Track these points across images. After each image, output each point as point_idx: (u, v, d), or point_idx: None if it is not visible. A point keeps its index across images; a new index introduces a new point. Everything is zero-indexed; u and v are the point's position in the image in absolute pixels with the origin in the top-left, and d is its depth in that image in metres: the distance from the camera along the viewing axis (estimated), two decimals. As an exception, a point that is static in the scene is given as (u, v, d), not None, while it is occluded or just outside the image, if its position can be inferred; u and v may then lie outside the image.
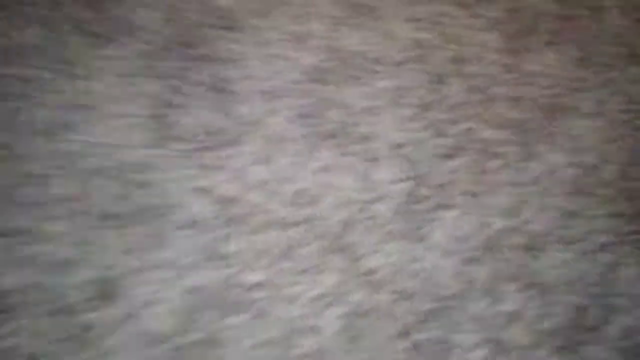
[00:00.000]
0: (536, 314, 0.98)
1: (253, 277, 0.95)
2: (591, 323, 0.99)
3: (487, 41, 1.18)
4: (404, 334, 0.94)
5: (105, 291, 0.91)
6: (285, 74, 1.10)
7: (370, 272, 0.98)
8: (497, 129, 1.12)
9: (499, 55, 1.17)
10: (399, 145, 1.08)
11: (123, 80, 1.03)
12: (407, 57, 1.14)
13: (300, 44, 1.12)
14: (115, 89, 1.02)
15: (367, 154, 1.06)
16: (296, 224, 0.99)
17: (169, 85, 1.04)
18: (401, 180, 1.05)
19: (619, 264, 1.03)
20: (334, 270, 0.97)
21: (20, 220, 0.94)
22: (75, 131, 0.99)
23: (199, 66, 1.07)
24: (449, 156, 1.08)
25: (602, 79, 1.18)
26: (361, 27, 1.16)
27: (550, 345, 0.97)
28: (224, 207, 0.99)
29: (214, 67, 1.07)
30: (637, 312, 1.00)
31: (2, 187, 0.96)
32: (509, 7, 1.22)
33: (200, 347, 0.90)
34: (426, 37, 1.17)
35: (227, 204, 0.99)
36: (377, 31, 1.16)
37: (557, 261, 1.02)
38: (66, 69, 1.03)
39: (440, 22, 1.19)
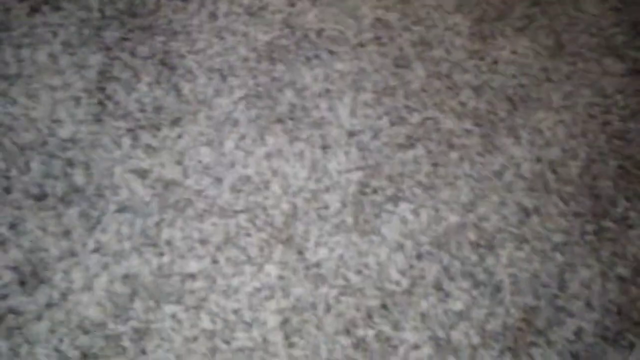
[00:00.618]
0: (486, 313, 1.03)
1: (191, 266, 1.00)
2: (542, 325, 1.04)
3: (454, 24, 1.21)
4: (348, 330, 0.99)
5: (35, 275, 0.95)
6: (236, 50, 1.12)
7: (315, 265, 1.02)
8: (459, 119, 1.16)
9: (466, 39, 1.20)
10: (354, 133, 1.12)
11: (64, 50, 1.05)
12: (368, 37, 1.17)
13: (254, 18, 1.14)
14: (56, 59, 1.05)
15: (319, 140, 1.10)
16: (239, 212, 1.04)
17: (111, 56, 1.07)
18: (353, 170, 1.09)
19: (575, 265, 1.08)
20: (277, 262, 1.02)
21: (-57, 196, 0.97)
22: (11, 103, 1.02)
23: (145, 38, 1.09)
24: (405, 146, 1.12)
25: (573, 69, 1.22)
26: (321, 2, 1.18)
27: (499, 345, 1.02)
28: (163, 191, 1.03)
29: (160, 40, 1.10)
30: (590, 315, 1.05)
31: None
32: (481, -12, 1.25)
33: (133, 337, 0.95)
34: (390, 17, 1.20)
35: (166, 187, 1.03)
36: (337, 8, 1.18)
37: (510, 260, 1.07)
38: (5, 36, 1.05)
39: (406, 1, 1.21)
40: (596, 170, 1.15)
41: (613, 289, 1.07)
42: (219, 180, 1.05)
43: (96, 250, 0.98)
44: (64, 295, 0.95)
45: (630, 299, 1.07)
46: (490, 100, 1.18)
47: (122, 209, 1.01)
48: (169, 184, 1.03)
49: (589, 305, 1.06)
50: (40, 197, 0.99)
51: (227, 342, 0.97)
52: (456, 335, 1.02)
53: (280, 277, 1.01)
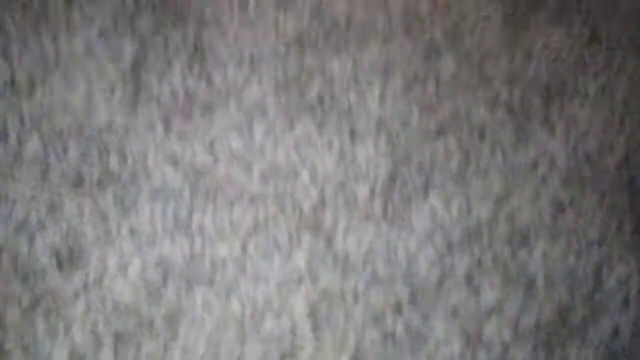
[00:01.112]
0: (518, 308, 1.16)
1: (220, 252, 1.16)
2: (577, 322, 1.16)
3: (487, 12, 1.34)
4: (377, 320, 1.13)
5: (72, 257, 1.13)
6: (266, 39, 1.28)
7: (344, 254, 1.17)
8: (491, 109, 1.28)
9: (499, 28, 1.32)
10: (383, 122, 1.26)
11: (99, 39, 1.22)
12: (398, 26, 1.32)
13: (283, 8, 1.30)
14: (91, 48, 1.23)
15: (347, 129, 1.25)
16: (268, 199, 1.20)
17: (144, 45, 1.23)
18: (382, 159, 1.24)
19: (611, 261, 1.20)
20: (305, 250, 1.17)
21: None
22: (48, 90, 1.20)
23: (177, 28, 1.25)
24: (436, 136, 1.25)
25: (611, 60, 1.33)
26: (350, -9, 1.29)
27: (532, 342, 1.14)
28: (193, 177, 1.19)
29: (192, 29, 1.26)
30: (628, 314, 1.16)
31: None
32: (514, -25, 1.33)
33: (165, 321, 1.11)
34: (420, 5, 1.34)
35: (197, 174, 1.19)
36: (367, -3, 1.30)
37: (544, 254, 1.19)
38: (43, 25, 1.22)
39: (437, -11, 1.33)
40: (634, 164, 1.27)
41: (652, 287, 1.15)
42: (248, 168, 1.21)
43: (130, 234, 1.16)
44: (99, 278, 1.12)
45: (670, 297, 1.14)
46: (523, 90, 1.29)
47: (155, 195, 1.18)
48: (200, 171, 1.21)
49: (626, 303, 1.18)
50: (77, 182, 1.17)
51: (257, 328, 1.13)
52: (488, 330, 1.15)
53: (309, 265, 1.16)
